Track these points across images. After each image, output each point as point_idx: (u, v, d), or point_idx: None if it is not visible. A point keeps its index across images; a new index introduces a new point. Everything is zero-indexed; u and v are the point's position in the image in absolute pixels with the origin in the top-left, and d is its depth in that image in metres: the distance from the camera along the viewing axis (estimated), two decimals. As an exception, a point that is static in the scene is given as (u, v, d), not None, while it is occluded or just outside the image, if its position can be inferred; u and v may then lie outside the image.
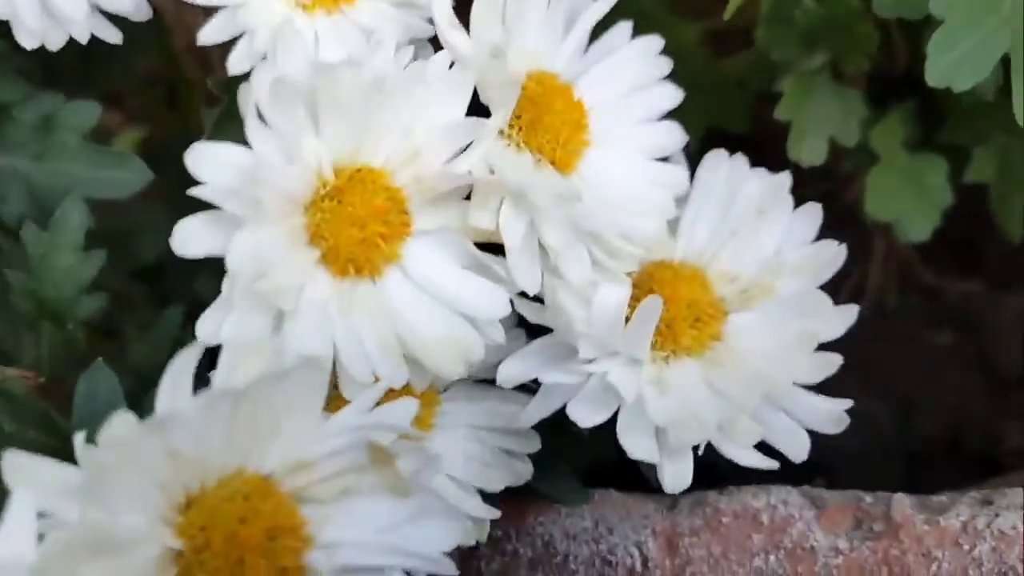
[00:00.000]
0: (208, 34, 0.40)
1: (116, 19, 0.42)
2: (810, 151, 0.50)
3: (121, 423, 0.26)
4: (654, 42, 0.44)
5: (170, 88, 0.65)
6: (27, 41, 0.41)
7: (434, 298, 0.37)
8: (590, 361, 0.39)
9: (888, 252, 0.61)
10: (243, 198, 0.33)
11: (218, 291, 0.34)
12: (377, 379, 0.35)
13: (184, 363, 0.28)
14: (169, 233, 0.34)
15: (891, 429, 0.60)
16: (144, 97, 0.68)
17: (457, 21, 0.40)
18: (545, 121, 0.40)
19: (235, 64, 0.39)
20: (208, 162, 0.33)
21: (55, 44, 0.41)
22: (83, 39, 0.42)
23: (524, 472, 0.42)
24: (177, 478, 0.29)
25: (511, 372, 0.40)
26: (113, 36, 0.43)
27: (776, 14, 0.50)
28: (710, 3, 0.57)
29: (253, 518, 0.29)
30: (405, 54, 0.37)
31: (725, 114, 0.58)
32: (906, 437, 0.59)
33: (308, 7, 0.41)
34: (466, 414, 0.42)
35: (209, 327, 0.34)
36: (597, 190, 0.41)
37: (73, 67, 0.56)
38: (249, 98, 0.34)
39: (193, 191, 0.33)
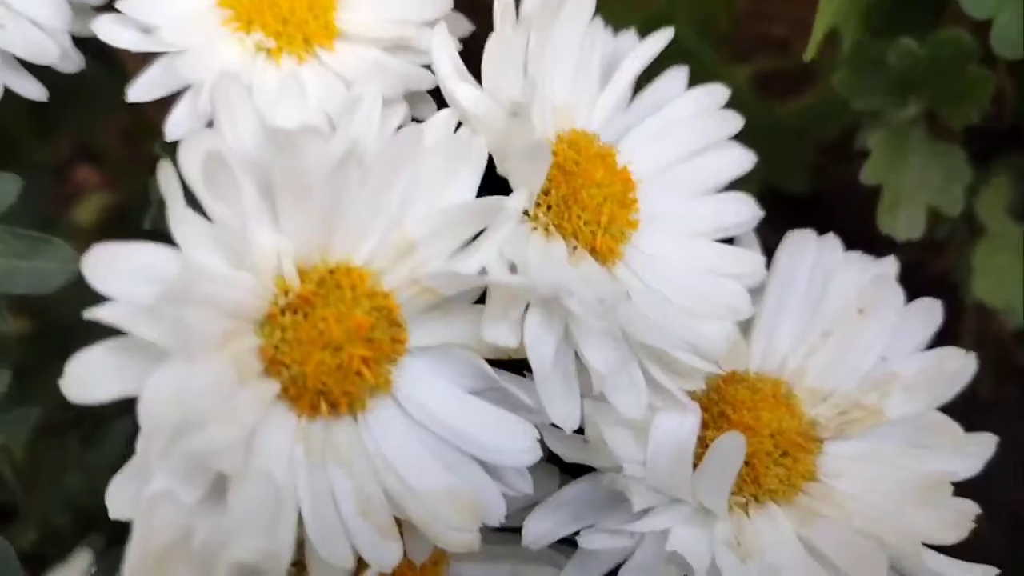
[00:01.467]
0: (140, 89, 0.31)
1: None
2: (907, 224, 0.41)
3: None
4: (716, 92, 0.34)
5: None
6: None
7: (436, 438, 0.28)
8: (644, 512, 0.30)
9: (982, 334, 0.52)
10: (164, 321, 0.24)
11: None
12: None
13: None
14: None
15: (997, 543, 0.50)
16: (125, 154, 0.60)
17: (465, 70, 0.31)
18: (582, 197, 0.31)
19: (174, 128, 0.30)
20: (114, 268, 0.24)
21: None
22: None
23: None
24: None
25: (540, 529, 0.30)
26: (35, 91, 0.34)
27: (861, 55, 0.40)
28: (752, 45, 0.53)
29: None
30: (394, 114, 0.28)
31: (783, 171, 0.50)
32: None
33: (272, 52, 0.32)
34: None
35: (119, 499, 0.25)
36: (650, 286, 0.31)
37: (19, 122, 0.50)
38: (172, 178, 0.24)
39: (92, 312, 0.23)
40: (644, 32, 0.35)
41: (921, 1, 0.41)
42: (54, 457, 0.42)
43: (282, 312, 0.26)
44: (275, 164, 0.25)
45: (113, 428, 0.41)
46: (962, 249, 0.45)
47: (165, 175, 0.24)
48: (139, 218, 0.33)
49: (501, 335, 0.28)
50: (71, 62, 0.35)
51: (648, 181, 0.33)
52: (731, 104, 0.36)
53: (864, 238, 0.36)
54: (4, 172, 0.38)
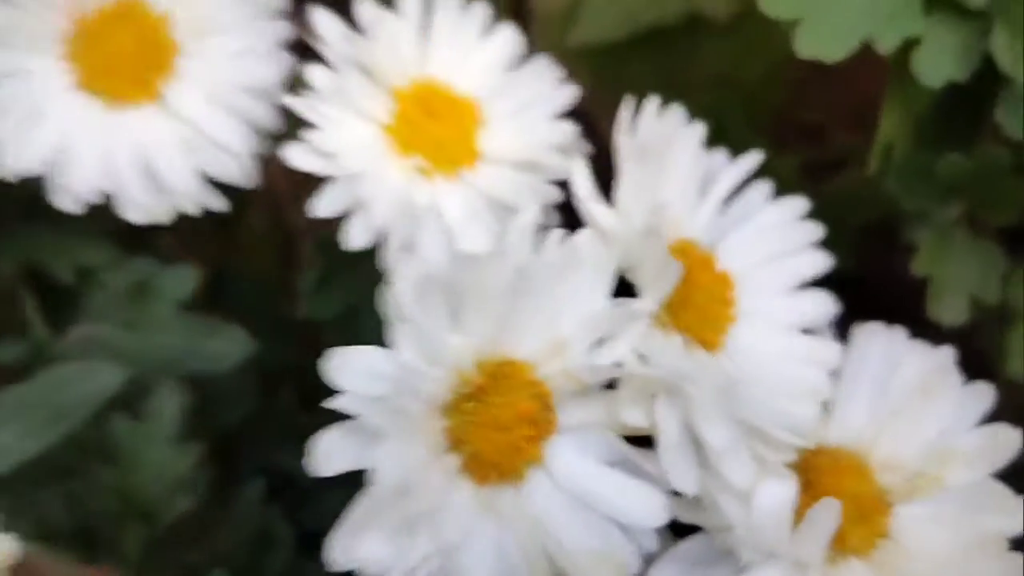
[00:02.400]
0: (322, 207, 0.37)
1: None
2: (951, 311, 0.46)
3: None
4: (798, 204, 0.40)
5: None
6: (134, 215, 0.40)
7: (582, 503, 0.33)
8: (749, 566, 0.35)
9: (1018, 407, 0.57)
10: (388, 408, 0.30)
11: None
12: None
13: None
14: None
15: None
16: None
17: (597, 191, 0.37)
18: (692, 299, 0.37)
19: (354, 239, 0.36)
20: (348, 369, 0.30)
21: (163, 217, 0.40)
22: (192, 210, 0.39)
23: None
24: None
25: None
26: (220, 205, 0.40)
27: (912, 164, 0.46)
28: (789, 132, 0.55)
29: None
30: (555, 237, 0.34)
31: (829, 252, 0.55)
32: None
33: (426, 172, 0.38)
34: None
35: (340, 552, 0.30)
36: (748, 373, 0.37)
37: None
38: (392, 300, 0.30)
39: (332, 403, 0.29)
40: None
41: (963, 117, 0.47)
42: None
43: (465, 400, 0.32)
44: (462, 280, 0.31)
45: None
46: (995, 330, 0.51)
47: (388, 298, 0.30)
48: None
49: (637, 418, 0.34)
50: (250, 179, 0.41)
51: (741, 281, 0.39)
52: (780, 191, 0.42)
53: (908, 314, 0.42)
54: (182, 264, 0.44)
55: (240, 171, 0.41)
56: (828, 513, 0.34)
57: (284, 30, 0.42)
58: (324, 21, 0.40)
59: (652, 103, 0.37)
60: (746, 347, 0.38)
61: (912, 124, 0.47)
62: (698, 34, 0.47)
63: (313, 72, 0.39)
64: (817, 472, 0.37)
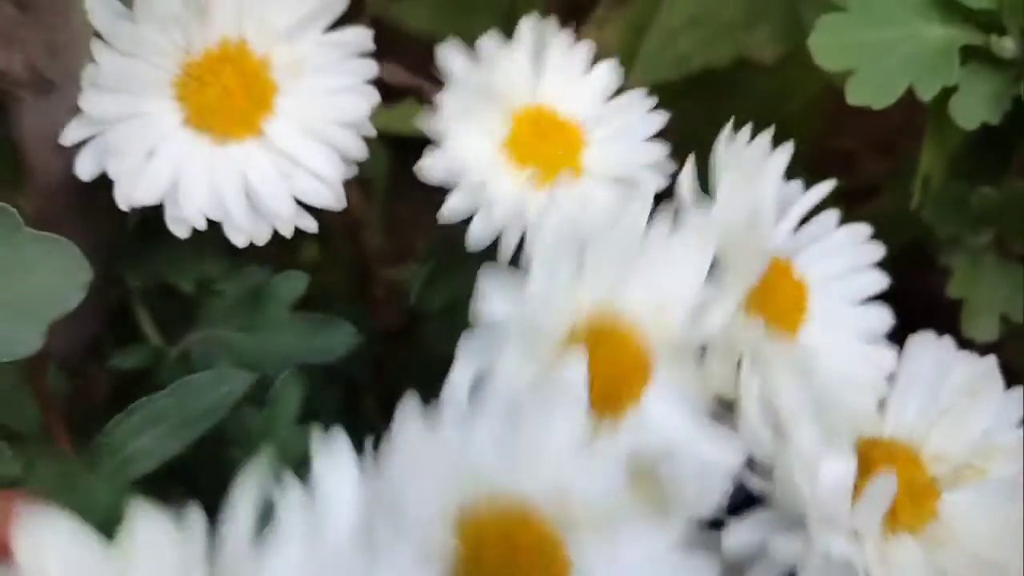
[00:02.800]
0: (449, 212, 0.42)
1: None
2: (983, 328, 0.52)
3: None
4: (862, 230, 0.46)
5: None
6: (236, 238, 0.44)
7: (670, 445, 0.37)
8: (814, 533, 0.40)
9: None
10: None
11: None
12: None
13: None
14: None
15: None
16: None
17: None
18: (772, 297, 0.42)
19: (476, 237, 0.41)
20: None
21: (261, 239, 0.45)
22: (287, 232, 0.45)
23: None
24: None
25: (740, 538, 0.40)
26: (313, 226, 0.46)
27: (946, 195, 0.52)
28: (823, 159, 0.60)
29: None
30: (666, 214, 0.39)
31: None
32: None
33: (538, 182, 0.44)
34: None
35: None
36: (816, 364, 0.42)
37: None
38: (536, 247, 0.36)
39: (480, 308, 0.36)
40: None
41: (994, 154, 0.52)
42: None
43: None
44: (593, 237, 0.37)
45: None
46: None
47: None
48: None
49: (720, 379, 0.39)
50: (340, 203, 0.46)
51: (813, 290, 0.44)
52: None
53: (941, 331, 0.46)
54: (292, 271, 0.49)
55: (332, 196, 0.45)
56: (884, 486, 0.39)
57: (371, 68, 0.46)
58: (451, 55, 0.46)
59: (746, 131, 0.43)
60: (815, 345, 0.43)
61: (948, 159, 0.52)
62: (744, 74, 0.52)
63: (442, 96, 0.45)
64: (874, 460, 0.42)
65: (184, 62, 0.44)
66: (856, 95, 0.47)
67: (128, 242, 0.48)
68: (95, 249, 0.40)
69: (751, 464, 0.41)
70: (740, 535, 0.40)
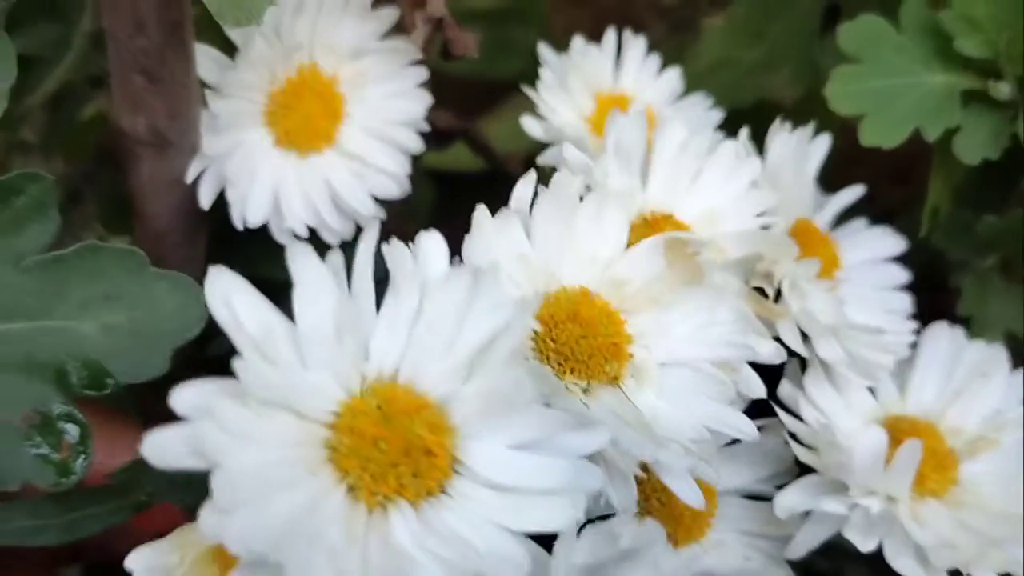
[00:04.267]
0: (545, 159, 0.52)
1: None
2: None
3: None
4: (888, 231, 0.54)
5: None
6: (329, 238, 0.52)
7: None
8: (855, 495, 0.46)
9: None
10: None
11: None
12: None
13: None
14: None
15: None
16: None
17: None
18: (808, 247, 0.49)
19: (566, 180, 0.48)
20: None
21: (348, 235, 0.52)
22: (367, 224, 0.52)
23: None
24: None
25: (789, 501, 0.46)
26: (383, 215, 0.52)
27: (955, 222, 0.59)
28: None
29: (586, 307, 0.40)
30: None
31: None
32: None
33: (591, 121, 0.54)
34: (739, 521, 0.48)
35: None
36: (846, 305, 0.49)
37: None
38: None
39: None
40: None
41: (996, 185, 0.58)
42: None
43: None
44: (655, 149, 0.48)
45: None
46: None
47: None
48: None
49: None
50: (404, 192, 0.53)
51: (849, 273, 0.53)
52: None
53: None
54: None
55: (399, 188, 0.53)
56: (912, 451, 0.45)
57: (422, 74, 0.54)
58: (546, 52, 0.58)
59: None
60: (847, 303, 0.50)
61: (954, 191, 0.59)
62: (766, 113, 0.58)
63: (544, 73, 0.55)
64: (900, 433, 0.48)
65: (270, 92, 0.52)
66: (869, 137, 0.54)
67: (232, 241, 0.54)
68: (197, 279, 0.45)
69: (796, 437, 0.46)
70: (791, 498, 0.46)
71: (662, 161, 0.47)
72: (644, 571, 0.36)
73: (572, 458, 0.33)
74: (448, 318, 0.34)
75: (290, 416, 0.31)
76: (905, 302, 0.53)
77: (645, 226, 0.46)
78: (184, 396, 0.30)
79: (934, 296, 0.60)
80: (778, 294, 0.47)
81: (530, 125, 0.54)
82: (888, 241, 0.54)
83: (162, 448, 0.30)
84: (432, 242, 0.36)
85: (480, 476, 0.33)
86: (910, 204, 0.60)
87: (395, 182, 0.52)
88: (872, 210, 0.58)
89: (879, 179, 0.58)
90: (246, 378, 0.30)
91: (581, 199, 0.42)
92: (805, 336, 0.48)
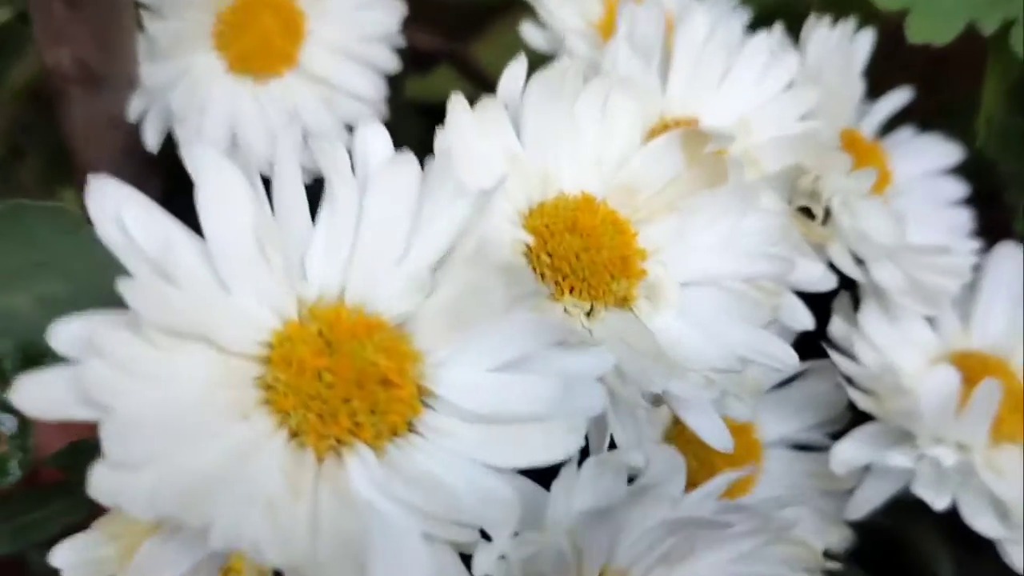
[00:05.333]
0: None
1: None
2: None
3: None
4: (942, 139, 0.48)
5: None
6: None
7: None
8: (920, 446, 0.40)
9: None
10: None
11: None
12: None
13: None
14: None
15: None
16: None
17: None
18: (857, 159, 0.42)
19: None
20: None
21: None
22: None
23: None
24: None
25: (847, 454, 0.40)
26: None
27: (1006, 130, 0.52)
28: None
29: (587, 214, 0.33)
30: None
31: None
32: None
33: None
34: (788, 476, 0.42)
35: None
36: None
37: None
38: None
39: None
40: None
41: None
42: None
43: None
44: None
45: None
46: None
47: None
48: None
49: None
50: (382, 118, 0.46)
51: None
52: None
53: None
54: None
55: (375, 115, 0.46)
56: (990, 393, 0.39)
57: None
58: None
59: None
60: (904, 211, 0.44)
61: (1008, 94, 0.53)
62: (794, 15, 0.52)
63: None
64: (969, 372, 0.42)
65: (218, 10, 0.45)
66: (917, 32, 0.47)
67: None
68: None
69: (852, 382, 0.40)
70: (849, 451, 0.40)
71: (684, 59, 0.40)
72: (661, 510, 0.29)
73: (556, 378, 0.27)
74: (396, 218, 0.28)
75: (207, 350, 0.25)
76: (964, 219, 0.46)
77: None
78: (64, 331, 0.24)
79: (987, 212, 0.54)
80: (826, 216, 0.40)
81: (530, 33, 0.47)
82: (942, 151, 0.48)
83: (41, 396, 0.23)
84: (373, 134, 0.29)
85: (455, 407, 0.27)
86: (947, 113, 0.53)
87: (370, 107, 0.46)
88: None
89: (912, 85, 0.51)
90: (139, 302, 0.24)
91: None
92: (858, 262, 0.41)
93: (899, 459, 0.39)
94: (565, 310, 0.32)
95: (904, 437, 0.40)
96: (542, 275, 0.32)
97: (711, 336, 0.33)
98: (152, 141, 0.43)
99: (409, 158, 0.28)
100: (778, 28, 0.43)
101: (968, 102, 0.53)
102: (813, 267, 0.38)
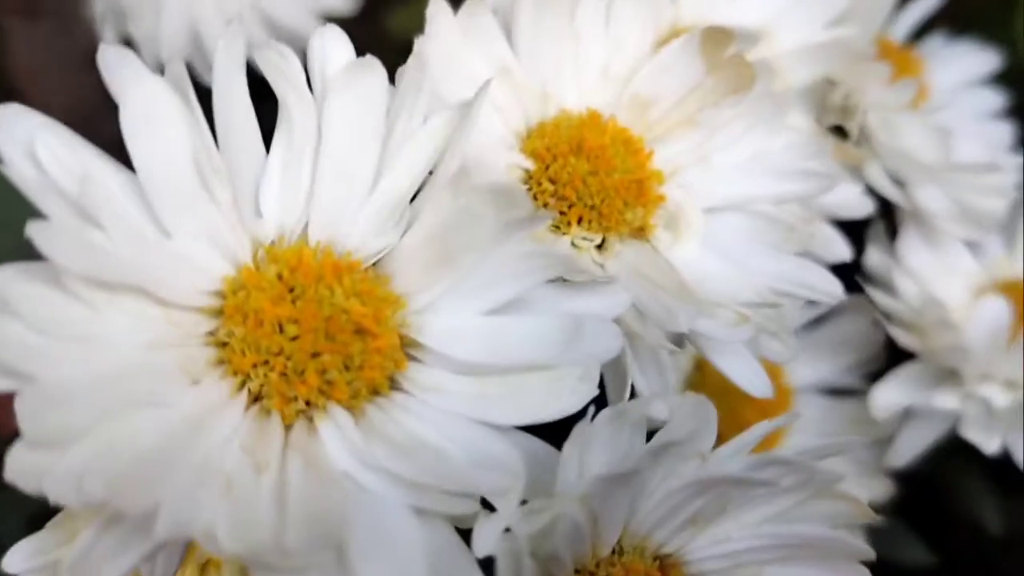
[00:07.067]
0: None
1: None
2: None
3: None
4: (977, 45, 0.43)
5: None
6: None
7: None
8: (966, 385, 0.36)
9: None
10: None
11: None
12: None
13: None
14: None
15: None
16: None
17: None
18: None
19: None
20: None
21: None
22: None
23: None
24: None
25: (887, 397, 0.36)
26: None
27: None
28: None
29: (595, 134, 0.29)
30: None
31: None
32: None
33: None
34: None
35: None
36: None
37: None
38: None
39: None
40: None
41: None
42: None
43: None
44: None
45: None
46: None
47: None
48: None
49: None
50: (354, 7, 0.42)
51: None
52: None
53: None
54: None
55: (346, 1, 0.43)
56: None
57: None
58: None
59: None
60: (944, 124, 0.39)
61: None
62: None
63: None
64: (1019, 301, 0.38)
65: None
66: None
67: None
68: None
69: (894, 319, 0.36)
70: (890, 393, 0.36)
71: None
72: (688, 468, 0.25)
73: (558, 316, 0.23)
74: (363, 138, 0.23)
75: (144, 303, 0.21)
76: (1006, 133, 0.42)
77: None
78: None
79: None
80: (860, 135, 0.36)
81: None
82: (980, 58, 0.43)
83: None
84: (329, 38, 0.25)
85: (444, 357, 0.23)
86: (981, 16, 0.49)
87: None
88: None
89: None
90: (56, 249, 0.19)
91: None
92: (897, 183, 0.37)
93: (946, 400, 0.35)
94: (572, 243, 0.28)
95: (948, 376, 0.36)
96: (544, 205, 0.28)
97: (741, 267, 0.28)
98: (111, 42, 0.39)
99: (373, 63, 0.24)
100: None
101: (1004, 4, 0.49)
102: (849, 189, 0.34)
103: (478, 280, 0.23)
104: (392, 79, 0.56)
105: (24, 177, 0.21)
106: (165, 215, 0.21)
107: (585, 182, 0.28)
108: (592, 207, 0.28)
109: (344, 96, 0.23)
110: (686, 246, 0.29)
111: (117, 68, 0.21)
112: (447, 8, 0.28)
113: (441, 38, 0.27)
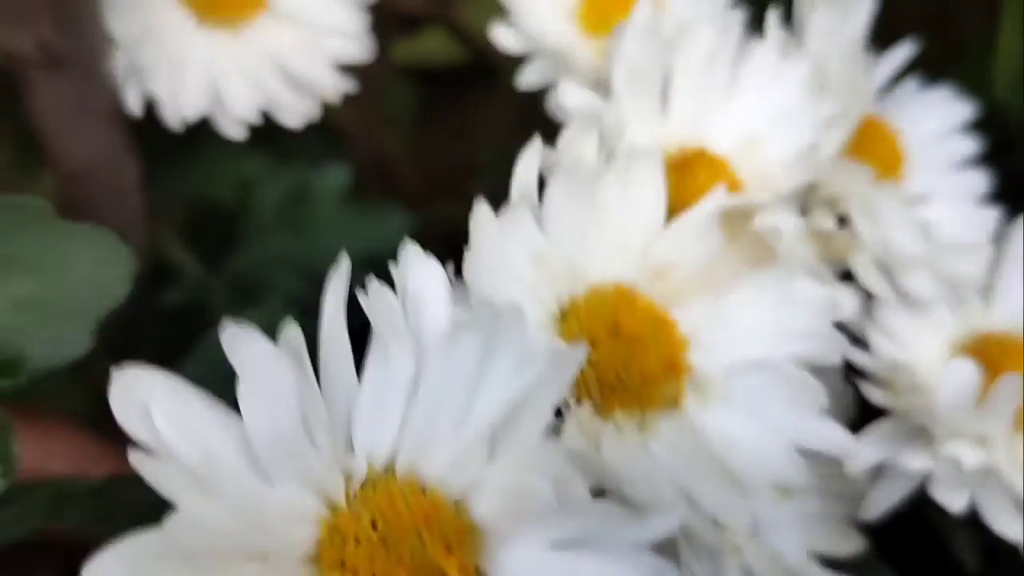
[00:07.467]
0: (527, 78, 0.42)
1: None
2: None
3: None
4: (950, 93, 0.45)
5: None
6: (291, 120, 0.44)
7: None
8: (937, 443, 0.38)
9: None
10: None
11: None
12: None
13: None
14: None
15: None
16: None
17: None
18: (868, 147, 0.40)
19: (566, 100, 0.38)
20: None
21: (314, 113, 0.44)
22: (335, 99, 0.44)
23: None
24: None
25: (862, 454, 0.38)
26: (352, 85, 0.45)
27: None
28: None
29: (628, 315, 0.30)
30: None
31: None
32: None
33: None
34: None
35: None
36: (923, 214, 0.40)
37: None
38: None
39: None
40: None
41: None
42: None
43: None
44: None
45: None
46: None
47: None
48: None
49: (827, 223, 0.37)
50: (367, 54, 0.45)
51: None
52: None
53: None
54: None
55: (361, 49, 0.45)
56: (1011, 388, 0.36)
57: None
58: None
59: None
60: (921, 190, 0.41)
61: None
62: None
63: None
64: (989, 358, 0.40)
65: None
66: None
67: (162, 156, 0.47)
68: (127, 228, 0.39)
69: (866, 375, 0.38)
70: (863, 450, 0.38)
71: (687, 81, 0.37)
72: None
73: (632, 554, 0.24)
74: (456, 386, 0.25)
75: (251, 566, 0.22)
76: (979, 181, 0.44)
77: (675, 170, 0.35)
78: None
79: (1001, 165, 0.51)
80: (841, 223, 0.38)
81: (501, 35, 0.43)
82: (953, 108, 0.45)
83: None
84: (426, 279, 0.26)
85: None
86: (957, 57, 0.50)
87: (352, 40, 0.45)
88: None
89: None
90: (183, 536, 0.21)
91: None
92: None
93: (914, 461, 0.37)
94: (614, 428, 0.29)
95: (920, 434, 0.38)
96: (586, 390, 0.30)
97: (764, 427, 0.30)
98: (134, 103, 0.42)
99: (472, 329, 0.25)
100: (774, 16, 0.39)
101: (981, 43, 0.50)
102: (843, 297, 0.36)
103: (550, 520, 0.24)
104: (385, 88, 0.57)
105: (145, 442, 0.22)
106: (272, 468, 0.23)
107: (625, 366, 0.30)
108: (631, 390, 0.30)
109: (444, 353, 0.25)
110: (714, 411, 0.31)
111: (242, 347, 0.23)
112: (489, 213, 0.29)
113: (487, 244, 0.29)
